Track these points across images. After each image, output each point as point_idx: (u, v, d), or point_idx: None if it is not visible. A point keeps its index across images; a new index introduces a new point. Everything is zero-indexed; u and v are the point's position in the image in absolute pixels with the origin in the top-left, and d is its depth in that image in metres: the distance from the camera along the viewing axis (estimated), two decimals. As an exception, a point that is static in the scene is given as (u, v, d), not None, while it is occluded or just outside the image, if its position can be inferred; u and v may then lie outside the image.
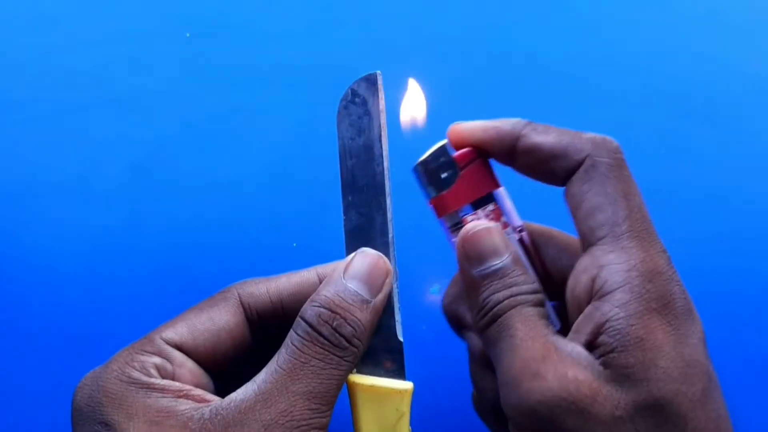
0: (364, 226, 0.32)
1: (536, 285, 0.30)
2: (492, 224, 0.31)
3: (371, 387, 0.32)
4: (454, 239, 0.32)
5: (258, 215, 0.43)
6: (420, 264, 0.42)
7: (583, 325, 0.28)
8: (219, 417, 0.28)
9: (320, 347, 0.29)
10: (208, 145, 0.44)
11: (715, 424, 0.27)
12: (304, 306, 0.30)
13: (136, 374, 0.29)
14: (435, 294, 0.42)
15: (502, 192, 0.32)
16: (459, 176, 0.32)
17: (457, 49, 0.45)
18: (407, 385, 0.32)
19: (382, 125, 0.32)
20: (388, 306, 0.32)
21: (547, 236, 0.33)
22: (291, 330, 0.30)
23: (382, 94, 0.32)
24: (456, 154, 0.32)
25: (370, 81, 0.32)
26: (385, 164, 0.32)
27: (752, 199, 0.43)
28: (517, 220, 0.32)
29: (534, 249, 0.32)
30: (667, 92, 0.44)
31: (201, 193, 0.43)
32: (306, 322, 0.30)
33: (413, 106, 0.33)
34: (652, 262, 0.28)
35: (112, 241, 0.43)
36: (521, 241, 0.32)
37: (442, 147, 0.32)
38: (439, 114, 0.33)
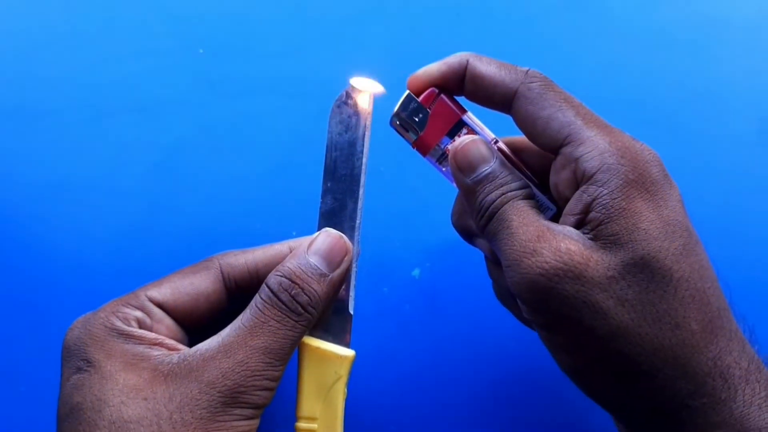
0: (337, 210, 0.34)
1: (523, 181, 0.31)
2: (476, 136, 0.32)
3: (317, 349, 0.33)
4: (444, 169, 0.34)
5: (262, 207, 0.44)
6: (404, 250, 0.43)
7: (572, 207, 0.29)
8: (185, 363, 0.30)
9: (279, 311, 0.31)
10: (219, 147, 0.46)
11: (698, 274, 0.28)
12: (269, 274, 0.32)
13: (118, 323, 0.31)
14: (416, 277, 0.43)
15: (469, 116, 0.33)
16: (429, 116, 0.33)
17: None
18: (349, 353, 0.33)
19: (367, 126, 0.34)
20: (345, 281, 0.34)
21: (521, 143, 0.34)
22: (256, 294, 0.32)
23: (372, 99, 0.34)
24: (421, 97, 0.33)
25: None
26: (364, 160, 0.34)
27: (699, 196, 0.43)
28: (490, 134, 0.33)
29: (513, 154, 0.33)
30: (623, 102, 0.45)
31: (212, 188, 0.45)
32: (269, 288, 0.31)
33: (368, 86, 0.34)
34: (618, 140, 0.29)
35: (135, 232, 0.44)
36: (500, 149, 0.33)
37: (408, 96, 0.33)
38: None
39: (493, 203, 0.30)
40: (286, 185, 0.45)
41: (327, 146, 0.35)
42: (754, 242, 0.43)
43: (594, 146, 0.29)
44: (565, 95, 0.31)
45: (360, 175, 0.34)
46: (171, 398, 0.29)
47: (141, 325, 0.32)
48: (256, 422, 0.31)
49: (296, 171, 0.45)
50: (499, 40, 0.47)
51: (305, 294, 0.32)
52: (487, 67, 0.32)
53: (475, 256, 0.40)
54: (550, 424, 0.41)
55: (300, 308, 0.31)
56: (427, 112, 0.33)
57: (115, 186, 0.45)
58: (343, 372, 0.33)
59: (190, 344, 0.33)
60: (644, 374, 0.28)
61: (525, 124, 0.31)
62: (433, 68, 0.33)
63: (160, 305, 0.33)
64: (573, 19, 0.47)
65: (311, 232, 0.34)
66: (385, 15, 0.48)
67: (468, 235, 0.35)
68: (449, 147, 0.33)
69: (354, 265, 0.34)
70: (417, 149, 0.34)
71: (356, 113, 0.34)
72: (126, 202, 0.45)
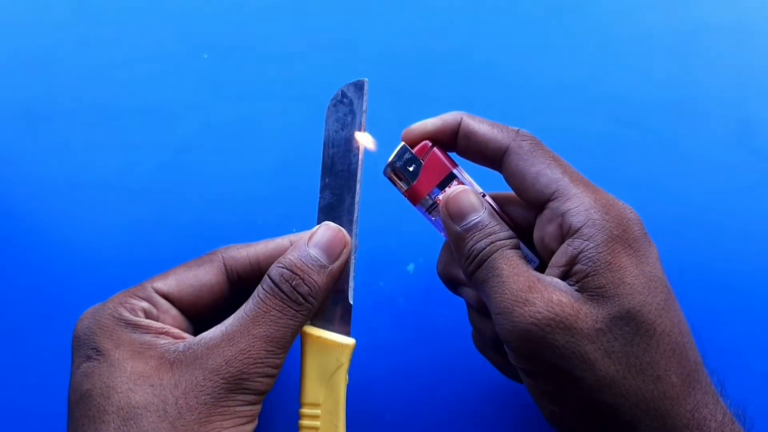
0: (335, 205, 0.35)
1: (511, 232, 0.32)
2: (467, 186, 0.33)
3: (318, 338, 0.34)
4: (433, 219, 0.34)
5: (264, 204, 0.45)
6: (398, 246, 0.44)
7: (558, 260, 0.30)
8: (190, 351, 0.31)
9: (280, 301, 0.32)
10: (222, 147, 0.46)
11: (678, 329, 0.29)
12: (271, 266, 0.32)
13: (126, 314, 0.32)
14: (410, 271, 0.44)
15: (459, 170, 0.34)
16: (422, 167, 0.33)
17: (429, 68, 0.48)
18: (349, 341, 0.34)
19: (362, 123, 0.35)
20: (344, 273, 0.34)
21: (506, 198, 0.34)
22: (259, 285, 0.32)
23: (366, 98, 0.35)
24: (415, 149, 0.34)
25: (358, 86, 0.35)
26: (360, 156, 0.35)
27: (670, 192, 0.45)
28: (478, 188, 0.34)
29: (499, 207, 0.34)
30: (601, 103, 0.46)
31: (216, 185, 0.46)
32: (271, 279, 0.32)
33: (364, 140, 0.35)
34: (603, 198, 0.30)
35: (142, 227, 0.45)
36: (488, 202, 0.33)
37: (403, 147, 0.34)
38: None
39: (482, 251, 0.31)
40: (287, 183, 0.46)
41: (324, 143, 0.35)
42: (730, 241, 0.44)
43: (580, 202, 0.30)
44: (553, 154, 0.32)
45: (357, 170, 0.35)
46: (177, 384, 0.30)
47: (147, 315, 0.33)
48: (258, 408, 0.32)
49: (296, 169, 0.46)
50: (489, 44, 0.48)
51: (306, 285, 0.32)
52: (480, 125, 0.33)
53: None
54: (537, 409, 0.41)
55: (301, 298, 0.32)
56: (420, 163, 0.34)
57: (123, 184, 0.46)
58: (345, 359, 0.34)
59: (195, 334, 0.33)
60: (626, 424, 0.28)
61: (514, 178, 0.32)
62: (428, 123, 0.33)
63: (165, 296, 0.34)
64: (561, 23, 0.48)
65: (311, 228, 0.35)
66: (380, 22, 0.49)
67: (453, 285, 0.36)
68: (440, 197, 0.33)
69: (353, 257, 0.35)
70: (408, 198, 0.34)
71: (352, 111, 0.35)
72: (133, 199, 0.46)
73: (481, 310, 0.35)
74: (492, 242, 0.31)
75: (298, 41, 0.48)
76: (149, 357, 0.31)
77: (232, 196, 0.46)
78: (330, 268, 0.33)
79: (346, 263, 0.34)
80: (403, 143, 0.34)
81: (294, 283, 0.32)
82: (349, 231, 0.34)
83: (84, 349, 0.32)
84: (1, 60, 0.48)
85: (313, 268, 0.33)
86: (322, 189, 0.35)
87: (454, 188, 0.33)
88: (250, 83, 0.48)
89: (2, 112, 0.47)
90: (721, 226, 0.44)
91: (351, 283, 0.35)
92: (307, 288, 0.32)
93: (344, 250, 0.34)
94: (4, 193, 0.46)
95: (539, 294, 0.29)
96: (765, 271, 0.43)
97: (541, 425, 0.41)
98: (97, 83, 0.48)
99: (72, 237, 0.45)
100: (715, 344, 0.37)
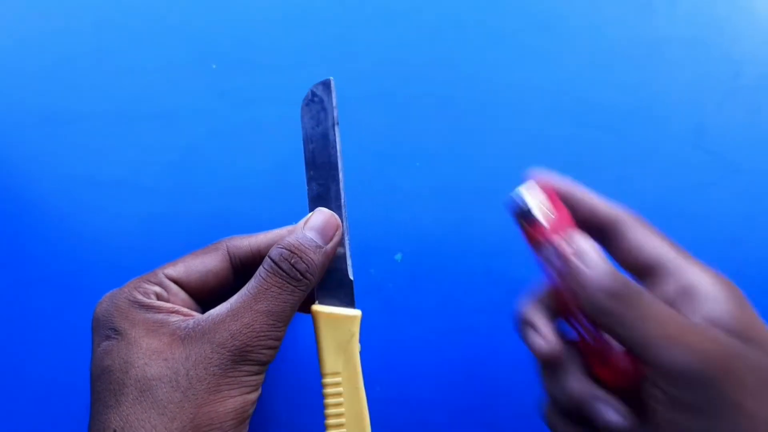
0: (323, 193, 0.36)
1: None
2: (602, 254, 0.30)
3: (330, 314, 0.35)
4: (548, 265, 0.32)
5: (266, 201, 0.47)
6: (386, 238, 0.46)
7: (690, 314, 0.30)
8: (199, 327, 0.32)
9: (280, 278, 0.33)
10: (228, 148, 0.48)
11: None
12: (271, 248, 0.34)
13: (140, 297, 0.33)
14: (398, 260, 0.45)
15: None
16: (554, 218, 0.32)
17: (415, 74, 0.49)
18: (356, 312, 0.35)
19: (334, 117, 0.36)
20: (341, 253, 0.36)
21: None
22: (260, 265, 0.34)
23: (334, 95, 0.36)
24: (552, 220, 0.32)
25: (325, 84, 0.36)
26: (338, 147, 0.36)
27: (633, 189, 0.46)
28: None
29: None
30: (571, 109, 0.48)
31: (221, 184, 0.47)
32: (271, 259, 0.33)
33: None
34: (715, 276, 0.32)
35: (154, 221, 0.46)
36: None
37: (534, 207, 0.32)
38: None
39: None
40: (285, 180, 0.47)
41: (304, 140, 0.36)
42: (688, 231, 0.45)
43: (702, 277, 0.31)
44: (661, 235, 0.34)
45: (337, 161, 0.36)
46: (187, 357, 0.31)
47: (159, 298, 0.34)
48: (261, 377, 0.33)
49: (293, 168, 0.46)
50: (468, 55, 0.50)
51: (303, 262, 0.33)
52: (643, 236, 0.34)
53: (447, 244, 0.45)
54: (515, 387, 0.44)
55: (299, 275, 0.33)
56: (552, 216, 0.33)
57: (137, 182, 0.47)
58: (355, 329, 0.35)
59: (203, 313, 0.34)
60: None
61: (628, 244, 0.33)
62: (595, 201, 0.34)
63: (175, 281, 0.35)
64: (535, 37, 0.50)
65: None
66: (375, 33, 0.50)
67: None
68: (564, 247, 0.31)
69: (347, 238, 0.36)
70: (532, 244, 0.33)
71: (323, 108, 0.36)
72: (146, 195, 0.47)
73: (557, 368, 0.32)
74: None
75: (297, 53, 0.50)
76: (162, 334, 0.32)
77: (236, 192, 0.47)
78: (325, 248, 0.34)
79: (339, 243, 0.36)
80: (536, 201, 0.32)
81: (293, 261, 0.33)
82: (340, 215, 0.36)
83: (103, 329, 0.33)
84: (28, 69, 0.50)
85: (309, 247, 0.34)
86: (309, 181, 0.36)
87: (593, 258, 0.29)
88: (253, 91, 0.49)
89: (28, 116, 0.49)
90: (680, 219, 0.46)
91: (349, 261, 0.36)
92: (305, 265, 0.33)
93: (337, 232, 0.35)
94: (30, 189, 0.48)
95: (701, 325, 0.29)
96: (719, 257, 0.44)
97: (529, 401, 0.42)
98: (114, 90, 0.49)
99: (91, 229, 0.47)
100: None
